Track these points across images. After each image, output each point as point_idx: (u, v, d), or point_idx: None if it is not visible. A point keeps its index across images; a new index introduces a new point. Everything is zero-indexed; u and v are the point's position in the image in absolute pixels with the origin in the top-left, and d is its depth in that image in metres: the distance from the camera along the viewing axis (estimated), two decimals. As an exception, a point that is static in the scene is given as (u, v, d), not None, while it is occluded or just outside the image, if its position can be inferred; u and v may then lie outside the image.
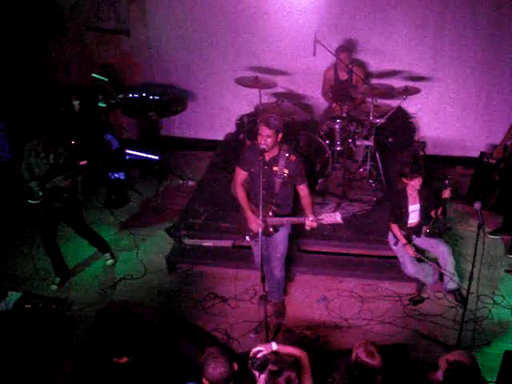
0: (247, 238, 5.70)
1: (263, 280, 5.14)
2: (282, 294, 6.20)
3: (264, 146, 5.17)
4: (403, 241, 6.04)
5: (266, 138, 5.15)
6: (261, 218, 5.12)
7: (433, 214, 5.98)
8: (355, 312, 6.15)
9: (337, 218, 5.14)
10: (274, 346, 4.15)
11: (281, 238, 5.71)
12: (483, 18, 7.85)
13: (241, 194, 5.61)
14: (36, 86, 8.85)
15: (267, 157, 5.32)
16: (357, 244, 6.74)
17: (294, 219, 5.48)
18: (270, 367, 3.87)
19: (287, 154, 5.35)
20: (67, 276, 6.73)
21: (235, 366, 3.88)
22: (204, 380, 3.80)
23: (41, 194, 6.03)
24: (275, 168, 5.36)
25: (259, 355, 3.99)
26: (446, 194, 5.86)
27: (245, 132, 7.85)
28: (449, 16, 7.93)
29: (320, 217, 5.22)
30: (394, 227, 6.10)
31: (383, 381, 3.90)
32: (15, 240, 7.37)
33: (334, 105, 7.79)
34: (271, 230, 5.55)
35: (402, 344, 5.68)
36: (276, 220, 5.49)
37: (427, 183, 6.00)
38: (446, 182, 5.87)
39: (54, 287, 6.62)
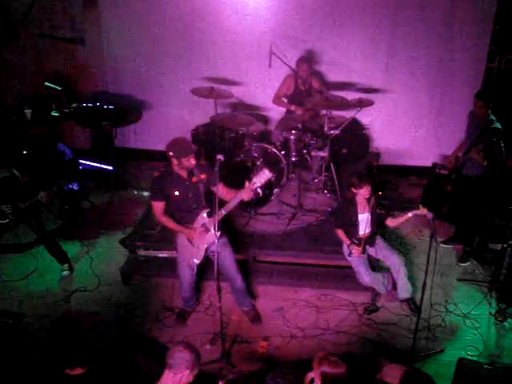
0: (196, 261, 5.75)
1: (219, 291, 5.17)
2: (250, 300, 6.28)
3: (192, 167, 5.45)
4: (347, 241, 6.11)
5: (192, 160, 5.39)
6: (215, 229, 5.22)
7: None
8: (311, 322, 6.16)
9: (266, 173, 5.33)
10: None
11: (225, 243, 5.81)
12: (434, 32, 8.03)
13: (169, 222, 5.65)
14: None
15: (184, 174, 5.52)
16: (312, 254, 6.76)
17: (230, 203, 5.49)
18: (229, 377, 3.86)
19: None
20: None
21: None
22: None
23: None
24: (194, 179, 5.54)
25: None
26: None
27: (200, 143, 7.82)
28: (401, 30, 8.09)
29: (252, 181, 5.37)
30: (339, 232, 6.18)
31: None
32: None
33: (293, 107, 7.89)
34: (218, 232, 5.41)
35: (357, 353, 5.71)
36: (215, 217, 5.37)
37: (380, 192, 6.04)
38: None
39: None
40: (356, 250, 6.06)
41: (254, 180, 5.35)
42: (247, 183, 5.39)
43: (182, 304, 6.28)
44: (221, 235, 5.50)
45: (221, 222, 5.48)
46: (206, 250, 5.73)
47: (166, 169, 5.57)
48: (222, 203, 5.51)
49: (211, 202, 5.43)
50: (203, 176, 5.57)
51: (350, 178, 6.06)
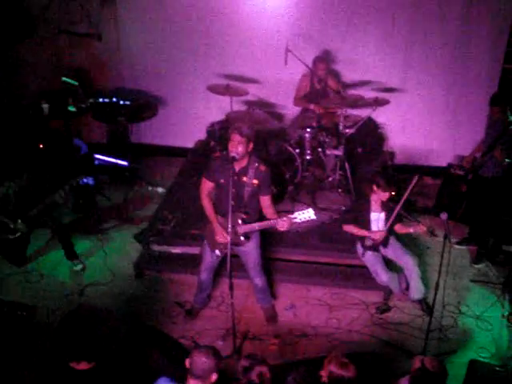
0: (217, 252, 5.64)
1: (231, 288, 5.16)
2: (270, 299, 6.22)
3: (234, 154, 5.16)
4: (365, 232, 6.06)
5: (238, 145, 5.14)
6: (229, 228, 5.14)
7: None
8: (323, 320, 6.16)
9: (310, 214, 5.07)
10: None
11: (252, 247, 5.70)
12: (451, 31, 8.00)
13: (207, 206, 5.56)
14: (4, 89, 8.75)
15: (237, 167, 5.30)
16: (325, 252, 6.75)
17: (265, 223, 5.38)
18: (242, 363, 3.89)
19: (257, 164, 5.34)
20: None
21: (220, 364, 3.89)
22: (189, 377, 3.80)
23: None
24: (244, 178, 5.33)
25: None
26: None
27: (216, 139, 7.84)
28: (418, 29, 8.05)
29: (293, 215, 5.14)
30: (350, 227, 6.14)
31: None
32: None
33: (312, 106, 7.86)
34: (242, 238, 5.53)
35: (368, 352, 5.69)
36: (247, 227, 5.45)
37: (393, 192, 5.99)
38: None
39: None
40: (379, 234, 6.00)
41: (296, 215, 5.13)
42: (286, 216, 5.18)
43: (193, 300, 6.27)
44: (248, 241, 5.57)
45: (251, 232, 5.54)
46: (230, 247, 5.41)
47: (225, 154, 5.42)
48: (260, 217, 5.51)
49: (252, 209, 5.48)
50: (255, 181, 5.32)
51: (374, 176, 6.01)
